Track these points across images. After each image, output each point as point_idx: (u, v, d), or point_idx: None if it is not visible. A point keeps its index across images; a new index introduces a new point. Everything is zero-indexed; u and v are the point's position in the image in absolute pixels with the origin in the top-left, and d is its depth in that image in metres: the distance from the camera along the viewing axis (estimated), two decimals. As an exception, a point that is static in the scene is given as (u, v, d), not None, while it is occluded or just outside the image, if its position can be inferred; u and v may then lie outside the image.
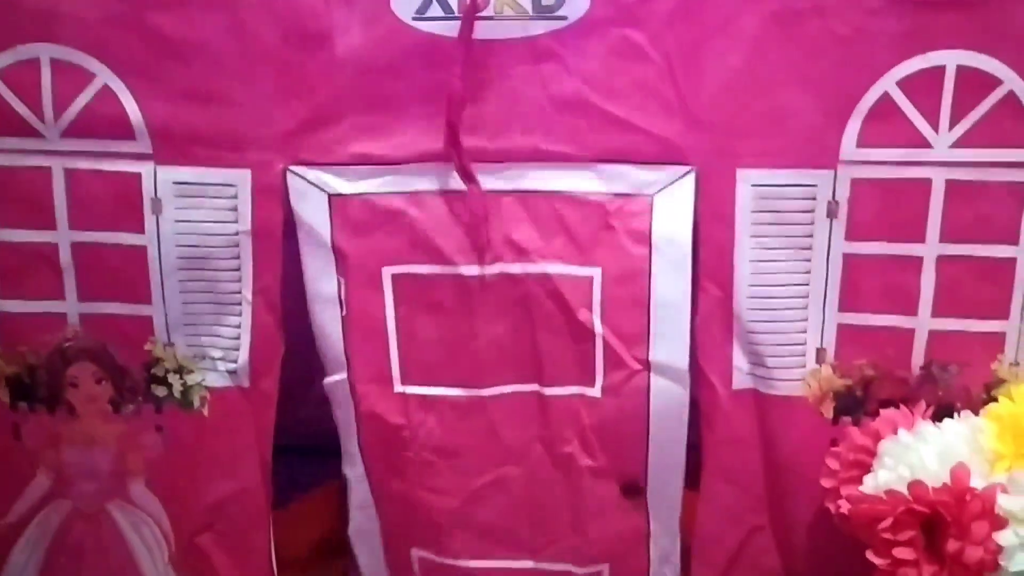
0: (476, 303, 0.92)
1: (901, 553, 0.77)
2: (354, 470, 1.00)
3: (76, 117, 0.89)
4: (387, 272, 0.92)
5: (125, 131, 0.89)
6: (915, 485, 0.79)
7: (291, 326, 0.95)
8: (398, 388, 0.94)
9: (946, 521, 0.77)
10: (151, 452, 0.97)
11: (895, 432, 0.86)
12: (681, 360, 0.92)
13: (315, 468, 1.26)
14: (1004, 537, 0.75)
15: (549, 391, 0.94)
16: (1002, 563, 0.74)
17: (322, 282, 0.93)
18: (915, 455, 0.82)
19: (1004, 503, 0.76)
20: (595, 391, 0.93)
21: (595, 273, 0.91)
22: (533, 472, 0.96)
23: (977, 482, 0.79)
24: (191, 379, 0.95)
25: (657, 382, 0.92)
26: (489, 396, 0.95)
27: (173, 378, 0.95)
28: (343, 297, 0.93)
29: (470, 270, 0.91)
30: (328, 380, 0.96)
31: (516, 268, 0.92)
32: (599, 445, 0.94)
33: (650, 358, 0.92)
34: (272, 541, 1.00)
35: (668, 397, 0.92)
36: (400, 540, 1.01)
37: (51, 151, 0.90)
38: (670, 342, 0.91)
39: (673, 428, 0.93)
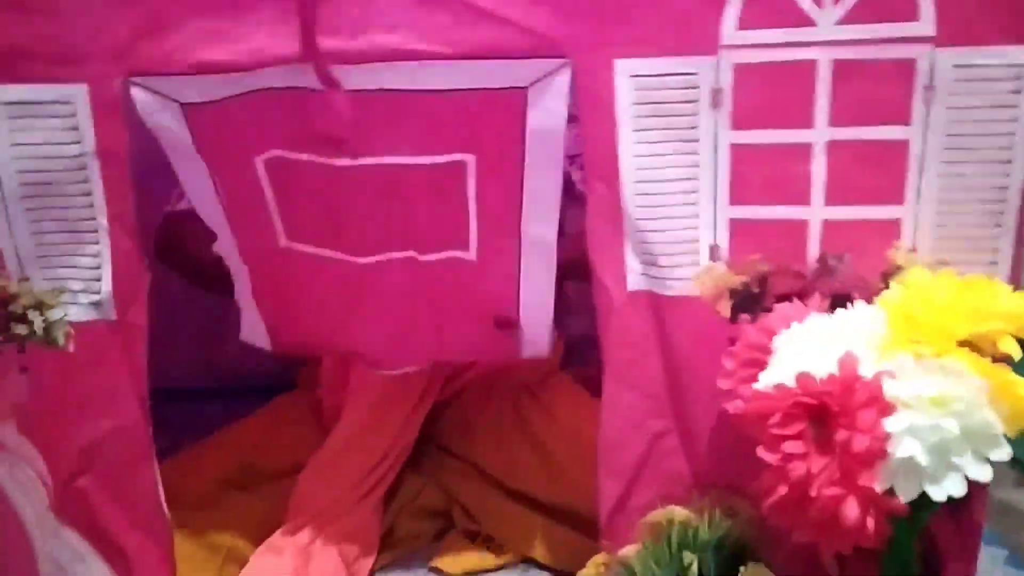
0: (351, 188, 0.91)
1: (790, 447, 0.75)
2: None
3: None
4: (259, 160, 0.91)
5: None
6: (802, 377, 0.77)
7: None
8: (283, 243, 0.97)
9: (834, 412, 0.74)
10: (17, 394, 0.91)
11: (789, 327, 0.83)
12: (551, 237, 0.94)
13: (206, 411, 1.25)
14: (891, 423, 0.72)
15: (424, 257, 0.96)
16: (889, 450, 0.72)
17: (201, 187, 0.93)
18: (805, 347, 0.80)
19: (891, 389, 0.73)
20: (470, 255, 0.96)
21: (469, 159, 0.89)
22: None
23: (867, 371, 0.76)
24: (52, 314, 0.89)
25: (528, 249, 0.95)
26: (366, 263, 0.97)
27: (33, 315, 0.89)
28: (219, 191, 0.93)
29: (341, 161, 0.89)
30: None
31: (388, 159, 0.89)
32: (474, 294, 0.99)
33: (522, 230, 0.93)
34: (160, 483, 0.96)
35: (538, 258, 0.95)
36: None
37: None
38: (542, 222, 0.93)
39: (543, 280, 0.97)
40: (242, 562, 1.08)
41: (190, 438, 1.22)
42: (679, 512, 0.90)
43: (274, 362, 1.19)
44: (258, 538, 1.09)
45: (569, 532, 1.12)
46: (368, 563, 1.11)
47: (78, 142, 0.85)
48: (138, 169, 0.86)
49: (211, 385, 1.39)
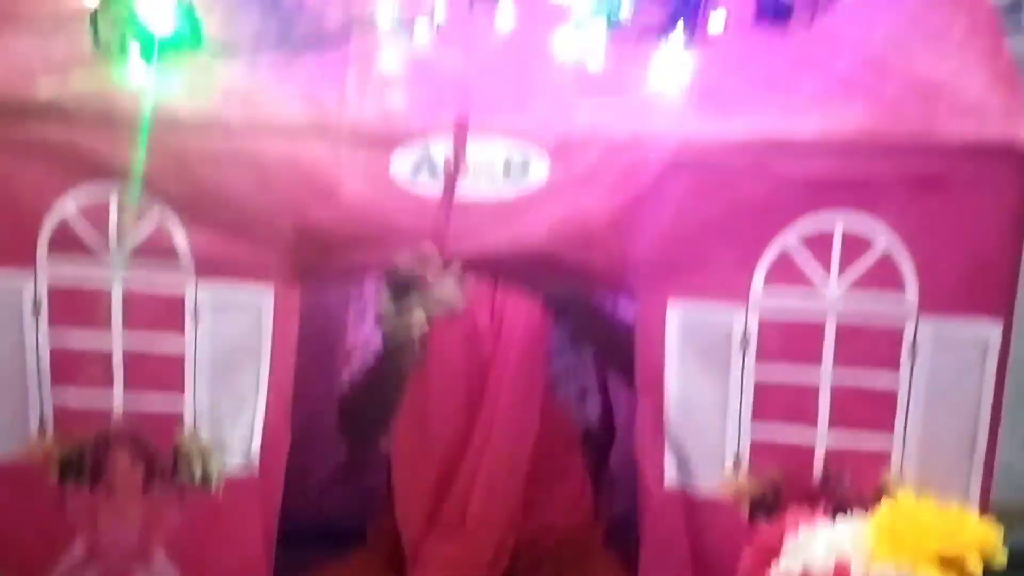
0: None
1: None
2: None
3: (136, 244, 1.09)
4: None
5: (173, 254, 1.09)
6: (804, 574, 0.96)
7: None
8: None
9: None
10: (173, 526, 1.14)
11: (797, 530, 1.03)
12: None
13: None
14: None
15: None
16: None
17: None
18: (808, 550, 0.99)
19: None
20: None
21: None
22: None
23: (857, 574, 0.95)
24: (210, 465, 1.13)
25: None
26: None
27: (195, 463, 1.13)
28: None
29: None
30: None
31: None
32: None
33: None
34: None
35: None
36: None
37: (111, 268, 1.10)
38: None
39: None
40: None
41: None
42: None
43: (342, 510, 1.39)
44: None
45: None
46: None
47: (259, 329, 1.10)
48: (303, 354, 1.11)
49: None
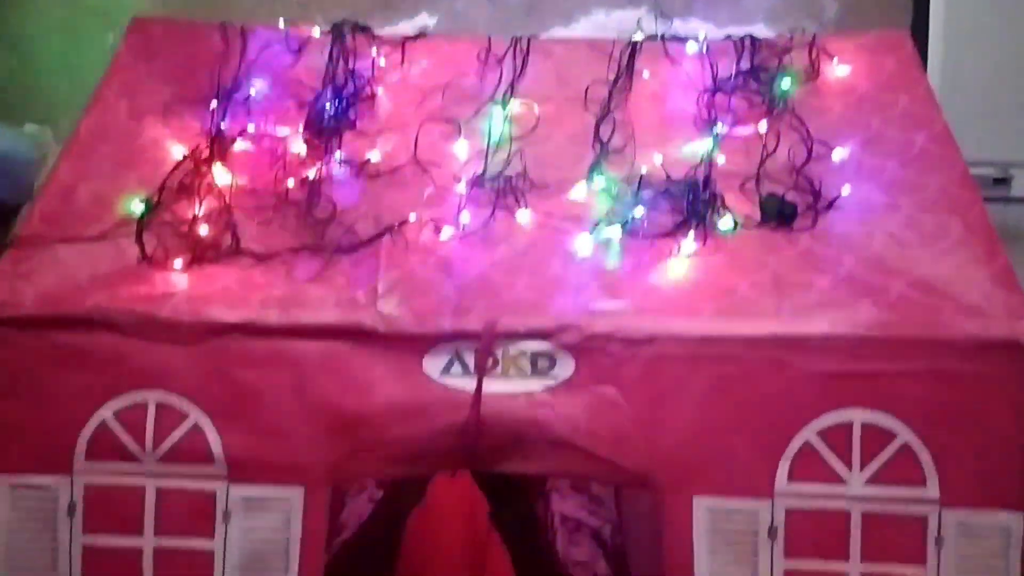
0: None
1: None
2: None
3: (170, 447, 1.12)
4: None
5: (207, 458, 1.12)
6: None
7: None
8: None
9: None
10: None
11: None
12: None
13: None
14: None
15: None
16: None
17: None
18: None
19: None
20: None
21: None
22: None
23: None
24: None
25: None
26: None
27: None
28: None
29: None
30: None
31: None
32: None
33: None
34: None
35: None
36: None
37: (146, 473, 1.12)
38: None
39: None
40: None
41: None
42: None
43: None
44: None
45: None
46: None
47: (288, 528, 1.11)
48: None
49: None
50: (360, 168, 1.28)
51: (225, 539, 1.12)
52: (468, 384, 1.11)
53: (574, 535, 1.44)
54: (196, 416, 1.12)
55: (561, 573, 1.36)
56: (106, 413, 1.12)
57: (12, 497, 1.12)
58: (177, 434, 1.12)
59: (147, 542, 1.12)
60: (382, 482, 1.41)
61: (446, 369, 1.11)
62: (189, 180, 1.25)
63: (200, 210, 1.21)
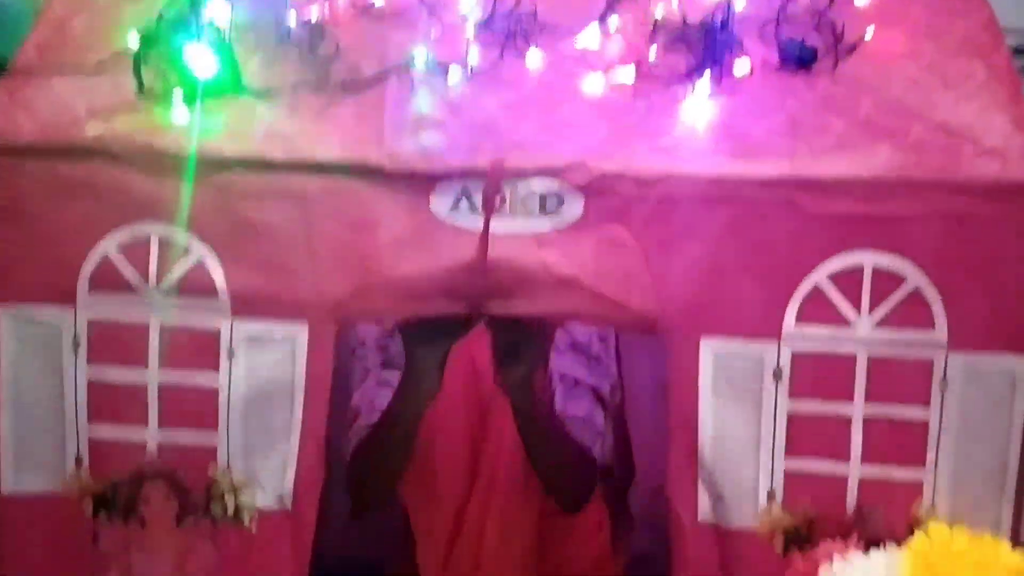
0: None
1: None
2: None
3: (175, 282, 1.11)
4: None
5: (211, 292, 1.11)
6: (840, 604, 0.97)
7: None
8: None
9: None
10: (206, 560, 1.14)
11: (831, 563, 1.04)
12: None
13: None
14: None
15: None
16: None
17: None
18: (844, 580, 1.00)
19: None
20: None
21: None
22: None
23: (892, 604, 0.97)
24: (243, 500, 1.13)
25: None
26: None
27: (228, 498, 1.13)
28: None
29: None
30: None
31: None
32: None
33: None
34: None
35: None
36: None
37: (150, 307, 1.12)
38: None
39: None
40: None
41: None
42: None
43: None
44: None
45: None
46: None
47: (292, 367, 1.11)
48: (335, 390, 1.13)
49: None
50: (365, 7, 1.24)
51: (230, 377, 1.12)
52: (475, 222, 1.09)
53: (572, 391, 1.43)
54: (199, 251, 1.11)
55: (565, 438, 1.34)
56: (109, 246, 1.10)
57: (16, 327, 1.12)
58: (180, 268, 1.11)
59: (151, 376, 1.12)
60: (389, 361, 1.38)
61: (454, 207, 1.09)
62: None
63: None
